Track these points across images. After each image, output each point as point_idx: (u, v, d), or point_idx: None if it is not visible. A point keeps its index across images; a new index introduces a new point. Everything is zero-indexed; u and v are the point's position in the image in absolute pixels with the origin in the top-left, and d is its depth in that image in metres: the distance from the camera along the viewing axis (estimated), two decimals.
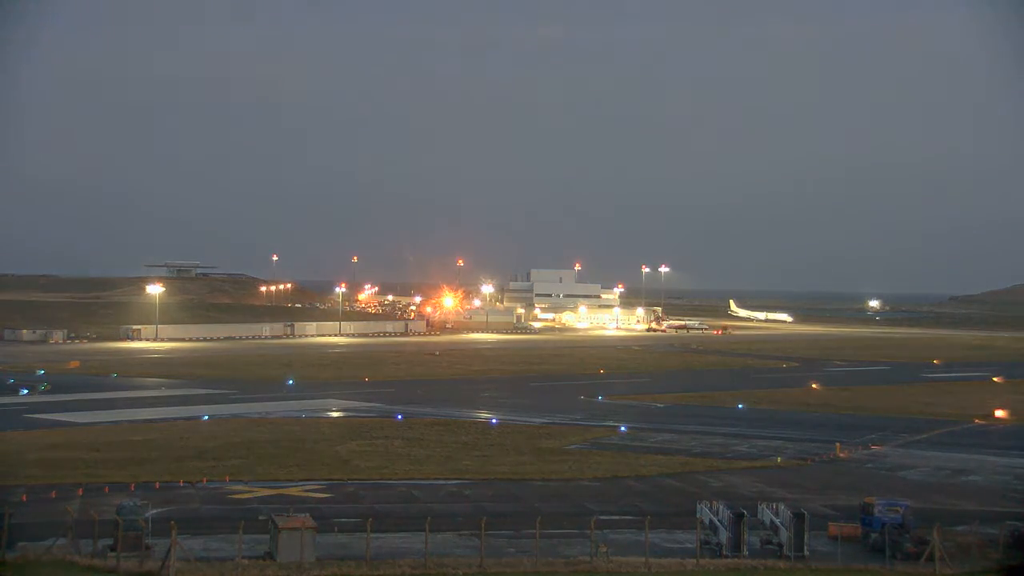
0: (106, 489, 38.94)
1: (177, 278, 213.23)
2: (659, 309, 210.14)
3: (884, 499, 35.12)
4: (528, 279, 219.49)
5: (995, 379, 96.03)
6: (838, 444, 54.23)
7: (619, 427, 61.93)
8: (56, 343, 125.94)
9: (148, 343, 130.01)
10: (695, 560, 30.97)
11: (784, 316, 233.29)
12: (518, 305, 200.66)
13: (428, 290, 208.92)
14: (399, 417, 63.89)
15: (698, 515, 32.85)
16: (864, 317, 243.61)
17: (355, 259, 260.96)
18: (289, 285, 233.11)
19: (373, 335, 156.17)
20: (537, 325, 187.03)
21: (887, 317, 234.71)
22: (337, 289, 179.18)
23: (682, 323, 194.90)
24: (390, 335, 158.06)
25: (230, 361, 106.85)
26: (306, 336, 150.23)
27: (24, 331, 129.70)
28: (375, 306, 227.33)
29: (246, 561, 28.73)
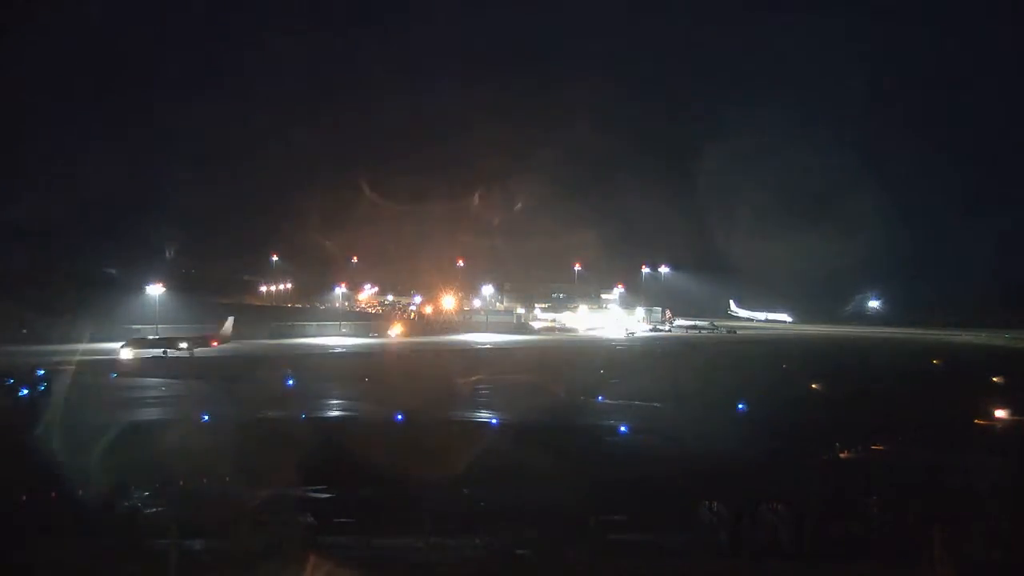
0: (106, 489, 38.99)
1: (177, 278, 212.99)
2: (667, 310, 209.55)
3: (882, 498, 35.22)
4: (528, 279, 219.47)
5: (995, 379, 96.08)
6: (837, 444, 54.33)
7: (618, 427, 62.08)
8: (55, 343, 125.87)
9: None
10: (695, 560, 31.06)
11: (784, 316, 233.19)
12: (517, 305, 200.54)
13: (428, 290, 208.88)
14: (399, 417, 64.01)
15: (697, 515, 32.95)
16: (864, 316, 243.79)
17: (355, 259, 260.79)
18: (289, 285, 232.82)
19: (373, 335, 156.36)
20: (537, 325, 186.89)
21: (887, 317, 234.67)
22: (336, 289, 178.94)
23: (690, 323, 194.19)
24: (390, 335, 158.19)
25: (229, 361, 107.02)
26: (305, 336, 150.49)
27: (23, 331, 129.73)
28: (375, 306, 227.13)
29: (246, 561, 28.80)
